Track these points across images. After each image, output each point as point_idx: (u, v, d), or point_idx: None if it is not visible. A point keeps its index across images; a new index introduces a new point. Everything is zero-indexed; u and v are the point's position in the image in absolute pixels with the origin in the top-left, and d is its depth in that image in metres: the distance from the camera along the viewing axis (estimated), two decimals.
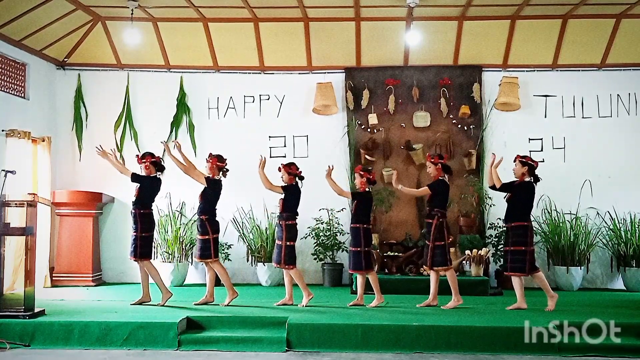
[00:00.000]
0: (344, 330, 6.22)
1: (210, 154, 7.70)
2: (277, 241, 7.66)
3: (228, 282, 7.63)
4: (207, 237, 7.55)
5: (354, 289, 8.74)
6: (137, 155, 7.86)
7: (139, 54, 9.86)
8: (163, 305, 7.46)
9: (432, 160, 7.62)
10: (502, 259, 9.01)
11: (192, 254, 9.75)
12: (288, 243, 7.54)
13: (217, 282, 7.81)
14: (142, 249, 7.57)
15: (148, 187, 7.66)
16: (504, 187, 7.44)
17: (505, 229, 7.75)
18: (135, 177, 7.63)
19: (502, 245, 9.33)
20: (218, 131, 10.07)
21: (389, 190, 9.53)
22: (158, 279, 7.67)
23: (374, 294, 7.58)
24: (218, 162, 7.62)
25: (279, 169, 7.69)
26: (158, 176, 7.75)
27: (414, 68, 10.05)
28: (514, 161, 7.48)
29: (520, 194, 7.32)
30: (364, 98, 9.95)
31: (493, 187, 7.55)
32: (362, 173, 7.64)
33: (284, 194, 7.56)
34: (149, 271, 7.62)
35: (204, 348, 6.15)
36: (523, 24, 9.50)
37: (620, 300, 8.46)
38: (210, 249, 7.54)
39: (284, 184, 7.63)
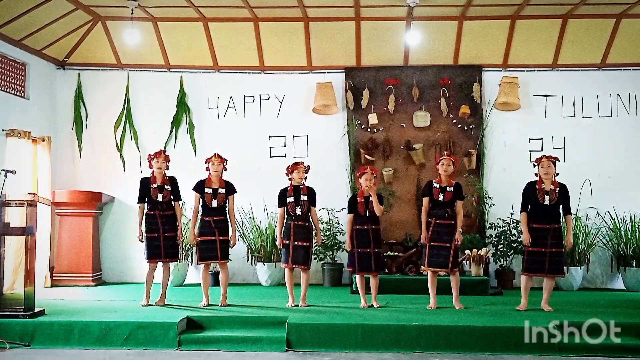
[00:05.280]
0: (344, 330, 6.21)
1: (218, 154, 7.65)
2: (304, 242, 7.46)
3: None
4: (228, 237, 7.59)
5: (353, 289, 8.74)
6: (163, 152, 7.76)
7: (139, 53, 9.86)
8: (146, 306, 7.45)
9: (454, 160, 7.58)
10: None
11: (192, 254, 9.76)
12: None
13: (215, 283, 7.81)
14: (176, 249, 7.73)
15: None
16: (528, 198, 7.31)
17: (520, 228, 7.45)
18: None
19: (502, 245, 9.33)
20: (218, 131, 10.06)
21: (389, 190, 9.53)
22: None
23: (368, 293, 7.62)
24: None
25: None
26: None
27: (414, 68, 10.04)
28: (541, 160, 7.34)
29: (566, 194, 7.30)
30: (364, 98, 9.95)
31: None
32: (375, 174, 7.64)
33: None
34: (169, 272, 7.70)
35: (204, 348, 6.15)
36: (523, 24, 9.49)
37: (620, 300, 8.45)
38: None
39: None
